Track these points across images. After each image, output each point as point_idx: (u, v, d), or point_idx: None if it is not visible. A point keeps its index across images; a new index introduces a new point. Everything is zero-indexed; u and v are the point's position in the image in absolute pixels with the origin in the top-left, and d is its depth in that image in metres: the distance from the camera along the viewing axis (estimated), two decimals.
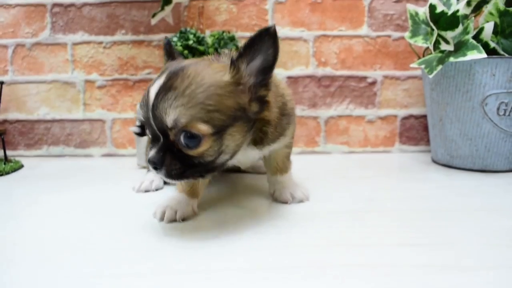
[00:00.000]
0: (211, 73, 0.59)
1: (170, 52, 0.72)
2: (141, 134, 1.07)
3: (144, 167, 1.08)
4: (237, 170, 0.99)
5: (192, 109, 0.56)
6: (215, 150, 0.60)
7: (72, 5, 1.25)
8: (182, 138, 0.57)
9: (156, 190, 0.90)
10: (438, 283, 0.48)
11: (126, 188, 0.91)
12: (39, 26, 1.26)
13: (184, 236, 0.63)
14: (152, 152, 0.59)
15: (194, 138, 0.57)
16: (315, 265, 0.52)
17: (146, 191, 0.89)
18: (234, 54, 0.64)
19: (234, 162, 0.68)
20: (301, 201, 0.79)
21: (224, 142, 0.60)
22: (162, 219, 0.69)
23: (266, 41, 0.59)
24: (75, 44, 1.26)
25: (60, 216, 0.73)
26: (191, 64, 0.60)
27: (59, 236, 0.63)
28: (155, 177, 0.91)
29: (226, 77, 0.59)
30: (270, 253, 0.56)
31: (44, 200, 0.83)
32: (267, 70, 0.61)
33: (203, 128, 0.57)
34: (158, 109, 0.57)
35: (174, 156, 0.59)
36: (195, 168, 0.60)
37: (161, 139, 0.59)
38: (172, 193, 0.75)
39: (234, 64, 0.60)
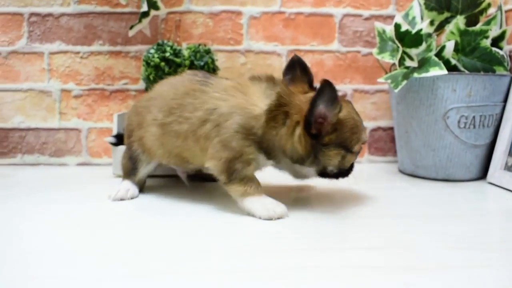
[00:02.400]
0: None
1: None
2: (117, 144, 1.09)
3: (119, 176, 1.09)
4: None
5: None
6: None
7: (49, 14, 1.26)
8: None
9: (131, 198, 0.91)
10: (399, 282, 0.52)
11: (101, 196, 0.92)
12: (15, 34, 1.26)
13: (160, 242, 0.66)
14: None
15: None
16: (272, 268, 0.56)
17: (122, 199, 0.90)
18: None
19: None
20: None
21: None
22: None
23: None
24: (51, 53, 1.27)
25: (35, 224, 0.74)
26: None
27: (33, 244, 0.64)
28: (130, 186, 0.93)
29: None
30: (219, 257, 0.60)
31: (18, 208, 0.84)
32: None
33: None
34: None
35: None
36: None
37: None
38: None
39: None
